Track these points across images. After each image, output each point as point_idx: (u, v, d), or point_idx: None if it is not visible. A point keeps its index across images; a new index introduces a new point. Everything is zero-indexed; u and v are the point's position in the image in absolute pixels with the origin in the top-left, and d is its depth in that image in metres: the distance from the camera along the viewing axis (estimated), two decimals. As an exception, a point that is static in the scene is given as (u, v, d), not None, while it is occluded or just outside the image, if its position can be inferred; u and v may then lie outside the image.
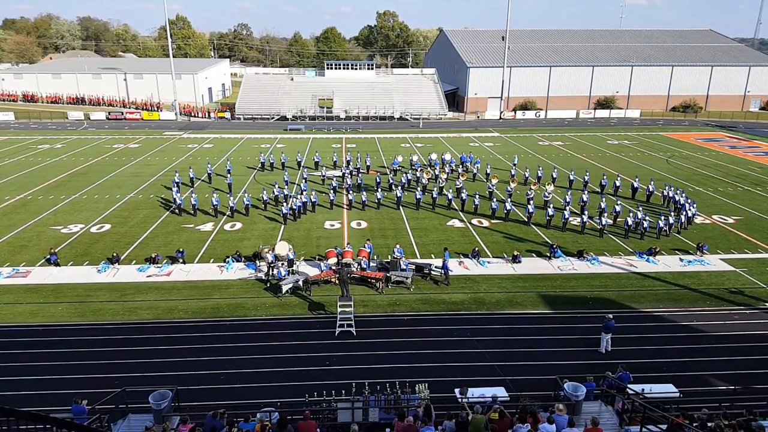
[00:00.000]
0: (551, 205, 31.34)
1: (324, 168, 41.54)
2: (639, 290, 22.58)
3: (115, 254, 25.13)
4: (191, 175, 38.99)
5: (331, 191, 34.39)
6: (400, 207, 33.41)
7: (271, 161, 44.39)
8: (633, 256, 25.93)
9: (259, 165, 43.97)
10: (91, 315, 20.22)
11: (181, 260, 24.87)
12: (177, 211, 32.12)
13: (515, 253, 25.65)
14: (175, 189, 34.47)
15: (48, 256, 24.73)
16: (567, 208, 30.64)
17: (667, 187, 34.62)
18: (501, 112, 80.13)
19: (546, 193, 33.83)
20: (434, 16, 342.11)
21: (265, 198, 33.34)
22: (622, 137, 61.64)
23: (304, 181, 37.46)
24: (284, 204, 31.75)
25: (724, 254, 26.34)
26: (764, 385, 15.89)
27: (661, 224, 28.26)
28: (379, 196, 33.64)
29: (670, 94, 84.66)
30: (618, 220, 30.51)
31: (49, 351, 17.78)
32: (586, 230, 29.14)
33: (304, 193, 33.41)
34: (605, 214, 29.87)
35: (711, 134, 64.03)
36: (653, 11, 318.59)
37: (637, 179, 36.94)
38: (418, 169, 39.75)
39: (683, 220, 29.71)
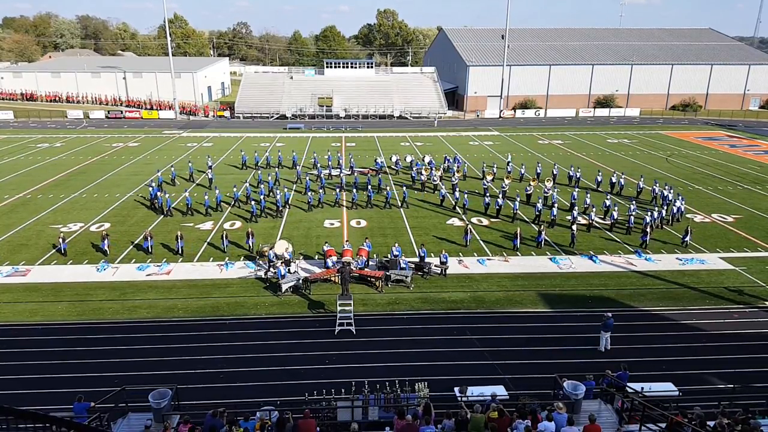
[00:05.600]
0: (540, 200, 31.60)
1: (311, 168, 41.42)
2: (638, 289, 22.60)
3: (104, 233, 25.95)
4: (190, 170, 39.50)
5: (321, 190, 34.56)
6: (389, 206, 33.30)
7: (257, 160, 44.34)
8: (632, 254, 25.95)
9: (265, 163, 44.15)
10: (90, 314, 20.22)
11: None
12: (157, 209, 32.19)
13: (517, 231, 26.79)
14: (153, 187, 34.32)
15: (58, 245, 25.38)
16: (555, 205, 30.91)
17: (656, 184, 34.97)
18: (501, 111, 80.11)
19: (546, 190, 33.98)
20: (434, 15, 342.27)
21: (260, 194, 33.31)
22: (621, 136, 61.64)
23: (275, 180, 37.44)
24: (253, 202, 31.61)
25: (723, 253, 26.36)
26: (763, 383, 15.89)
27: (648, 219, 28.36)
28: (370, 194, 33.63)
29: (669, 92, 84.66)
30: (606, 216, 30.79)
31: (49, 350, 17.78)
32: (576, 226, 29.09)
33: (275, 191, 33.75)
34: (594, 210, 30.24)
35: (711, 133, 64.04)
36: (652, 10, 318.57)
37: (623, 176, 37.23)
38: (417, 168, 39.80)
39: (674, 212, 30.28)
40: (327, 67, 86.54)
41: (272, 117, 74.73)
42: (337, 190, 35.40)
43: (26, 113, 73.78)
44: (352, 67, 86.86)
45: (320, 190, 34.46)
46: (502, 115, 79.59)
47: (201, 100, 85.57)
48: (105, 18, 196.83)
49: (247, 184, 34.30)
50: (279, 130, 65.27)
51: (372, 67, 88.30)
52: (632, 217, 28.98)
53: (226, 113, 76.65)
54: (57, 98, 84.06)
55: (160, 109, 77.40)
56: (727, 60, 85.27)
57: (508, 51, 77.06)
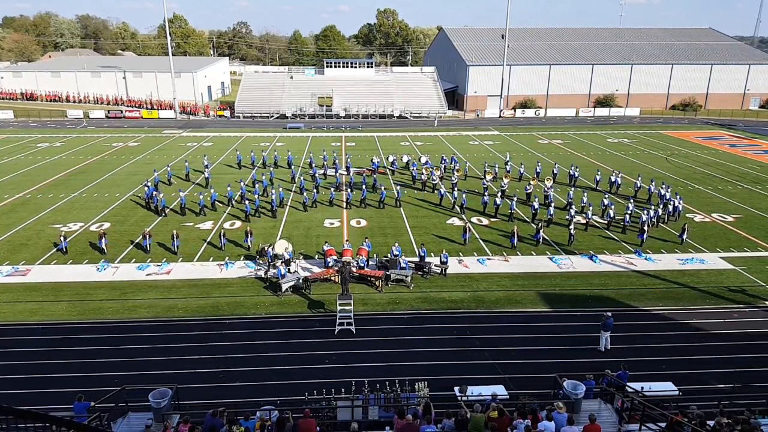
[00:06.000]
0: (536, 199, 31.82)
1: (308, 168, 41.49)
2: (638, 288, 22.60)
3: (102, 232, 26.16)
4: (187, 170, 39.82)
5: (315, 189, 34.73)
6: (383, 206, 33.26)
7: (252, 160, 44.40)
8: (632, 254, 25.95)
9: (261, 162, 44.16)
10: (90, 313, 20.23)
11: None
12: (153, 209, 32.04)
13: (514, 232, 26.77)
14: (149, 187, 34.24)
15: (59, 244, 25.65)
16: (551, 204, 31.10)
17: (651, 183, 35.34)
18: (501, 111, 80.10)
19: (546, 188, 34.14)
20: (434, 15, 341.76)
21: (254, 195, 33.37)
22: (621, 135, 61.63)
23: (270, 179, 37.65)
24: (248, 201, 31.70)
25: (723, 252, 26.36)
26: (763, 383, 15.90)
27: (644, 218, 28.51)
28: (364, 194, 33.74)
29: (669, 92, 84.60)
30: (604, 215, 30.98)
31: (49, 349, 17.79)
32: (574, 225, 29.20)
33: (269, 190, 33.88)
34: (590, 209, 30.40)
35: (711, 132, 64.03)
36: (652, 10, 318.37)
37: (620, 174, 37.64)
38: (413, 168, 39.95)
39: (669, 210, 30.68)
40: (327, 66, 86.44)
41: (272, 117, 74.71)
42: (332, 189, 35.40)
43: (26, 113, 73.74)
44: (352, 66, 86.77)
45: (313, 190, 34.50)
46: (502, 115, 79.57)
47: (201, 99, 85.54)
48: (105, 18, 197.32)
49: (242, 184, 34.36)
50: (279, 129, 65.24)
51: (372, 66, 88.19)
52: (628, 216, 29.22)
53: (226, 113, 76.64)
54: (57, 98, 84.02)
55: (161, 109, 77.38)
56: (727, 60, 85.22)
57: (508, 51, 77.02)
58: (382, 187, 34.47)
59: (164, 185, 37.29)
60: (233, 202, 33.08)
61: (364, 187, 34.01)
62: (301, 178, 37.00)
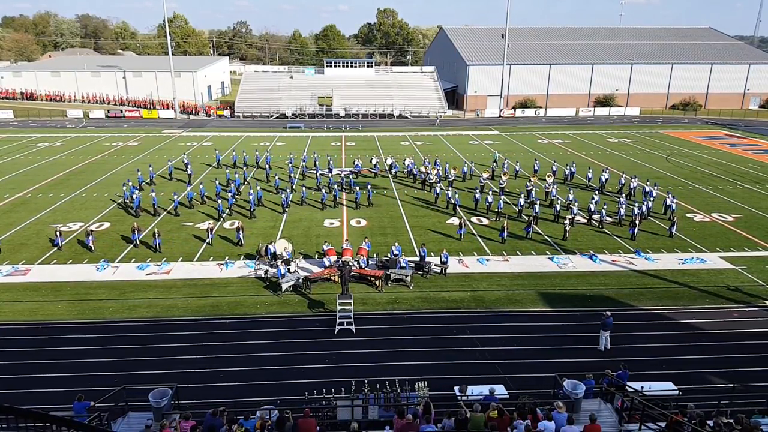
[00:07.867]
0: (522, 195, 32.58)
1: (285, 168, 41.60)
2: (638, 288, 22.60)
3: (89, 230, 26.31)
4: (170, 170, 39.99)
5: (288, 190, 34.85)
6: (359, 206, 33.18)
7: (234, 159, 44.46)
8: (632, 254, 25.95)
9: (242, 162, 44.24)
10: (90, 313, 20.23)
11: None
12: (133, 210, 31.70)
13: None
14: (131, 186, 34.07)
15: (55, 239, 25.86)
16: (537, 202, 31.46)
17: (633, 179, 36.26)
18: (500, 110, 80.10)
19: (546, 185, 34.39)
20: (434, 14, 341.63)
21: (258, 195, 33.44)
22: (621, 135, 61.63)
23: (244, 179, 37.93)
24: (220, 201, 31.75)
25: (723, 252, 26.36)
26: (763, 382, 15.91)
27: (622, 212, 29.63)
28: (336, 194, 34.07)
29: (669, 92, 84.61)
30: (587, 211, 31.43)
31: (49, 349, 17.78)
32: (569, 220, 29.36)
33: (243, 190, 34.24)
34: (576, 205, 30.77)
35: (711, 132, 64.02)
36: (652, 9, 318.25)
37: (607, 170, 38.59)
38: (396, 171, 40.16)
39: (650, 206, 31.52)
40: (327, 66, 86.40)
41: (272, 116, 74.72)
42: (303, 188, 35.35)
43: (26, 112, 73.72)
44: (352, 66, 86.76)
45: (288, 191, 34.64)
46: (502, 115, 79.59)
47: (201, 99, 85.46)
48: (105, 17, 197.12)
49: (216, 183, 34.61)
50: (279, 129, 65.23)
51: (372, 66, 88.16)
52: (604, 211, 30.12)
53: (226, 113, 76.64)
54: (57, 98, 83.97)
55: (163, 108, 77.32)
56: (727, 59, 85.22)
57: (508, 50, 76.99)
58: (357, 188, 34.32)
59: (146, 184, 37.23)
60: (207, 198, 33.44)
61: (336, 187, 34.35)
62: (276, 177, 37.27)
